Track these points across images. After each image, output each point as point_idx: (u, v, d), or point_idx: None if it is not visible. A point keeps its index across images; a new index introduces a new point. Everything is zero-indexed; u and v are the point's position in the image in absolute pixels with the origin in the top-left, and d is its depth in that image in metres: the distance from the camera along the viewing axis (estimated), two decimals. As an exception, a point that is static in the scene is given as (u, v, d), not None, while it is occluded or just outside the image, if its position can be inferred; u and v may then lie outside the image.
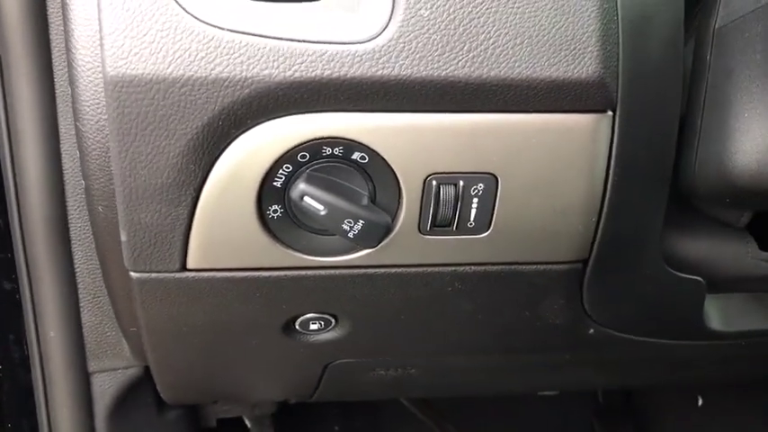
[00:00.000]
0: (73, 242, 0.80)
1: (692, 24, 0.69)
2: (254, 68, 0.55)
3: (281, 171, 0.60)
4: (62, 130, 0.73)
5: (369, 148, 0.60)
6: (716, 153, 0.65)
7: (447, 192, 0.62)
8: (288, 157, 0.59)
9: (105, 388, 0.92)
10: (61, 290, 0.82)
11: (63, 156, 0.75)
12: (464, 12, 0.57)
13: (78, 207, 0.78)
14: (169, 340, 0.73)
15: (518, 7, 0.58)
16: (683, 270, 0.74)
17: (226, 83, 0.55)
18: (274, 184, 0.61)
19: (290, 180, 0.61)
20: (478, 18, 0.57)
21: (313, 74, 0.56)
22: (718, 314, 0.82)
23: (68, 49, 0.59)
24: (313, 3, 0.57)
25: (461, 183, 0.62)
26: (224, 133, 0.58)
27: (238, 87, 0.56)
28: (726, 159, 0.64)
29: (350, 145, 0.60)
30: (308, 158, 0.60)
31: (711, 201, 0.73)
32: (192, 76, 0.55)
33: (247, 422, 1.23)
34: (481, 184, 0.62)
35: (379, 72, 0.57)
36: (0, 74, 0.71)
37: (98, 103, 0.58)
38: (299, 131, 0.59)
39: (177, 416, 1.05)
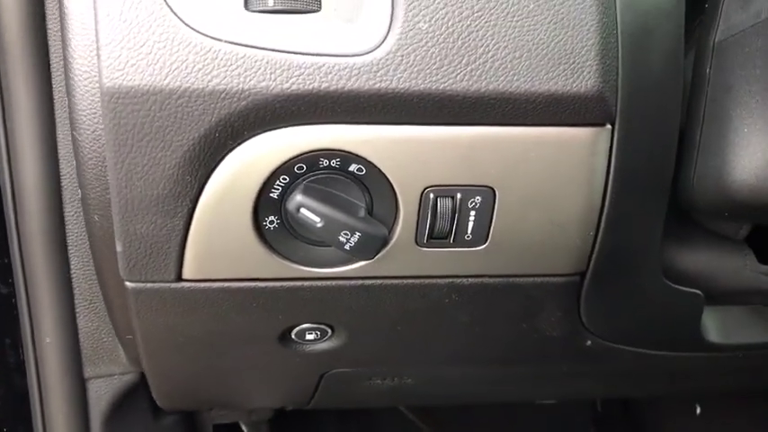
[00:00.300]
0: (70, 248, 0.80)
1: (692, 38, 0.69)
2: (251, 80, 0.55)
3: (277, 182, 0.60)
4: (60, 136, 0.73)
5: (366, 160, 0.60)
6: (715, 167, 0.65)
7: (444, 204, 0.62)
8: (285, 168, 0.59)
9: (101, 394, 0.91)
10: (57, 295, 0.82)
11: (61, 162, 0.74)
12: (463, 25, 0.57)
13: (75, 213, 0.77)
14: (165, 349, 0.73)
15: (517, 21, 0.58)
16: (682, 283, 0.74)
17: (223, 95, 0.55)
18: (271, 195, 0.60)
19: (286, 191, 0.60)
20: (477, 31, 0.57)
21: (310, 86, 0.56)
22: (716, 326, 0.82)
23: (66, 59, 0.58)
24: (311, 15, 0.56)
25: (459, 195, 0.62)
26: (220, 145, 0.57)
27: (235, 99, 0.55)
28: (725, 173, 0.64)
29: (347, 157, 0.60)
30: (304, 170, 0.60)
31: (710, 214, 0.73)
32: (189, 87, 0.55)
33: (244, 428, 1.23)
34: (479, 197, 0.62)
35: (377, 85, 0.56)
36: None
37: (95, 113, 0.58)
38: (296, 143, 0.58)
39: (173, 422, 1.05)
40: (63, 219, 0.78)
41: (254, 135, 0.58)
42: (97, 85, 0.57)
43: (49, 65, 0.70)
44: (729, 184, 0.64)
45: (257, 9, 0.56)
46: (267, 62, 0.55)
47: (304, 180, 0.60)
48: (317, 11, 0.56)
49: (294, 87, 0.56)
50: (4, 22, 0.68)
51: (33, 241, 0.78)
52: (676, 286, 0.73)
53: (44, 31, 0.69)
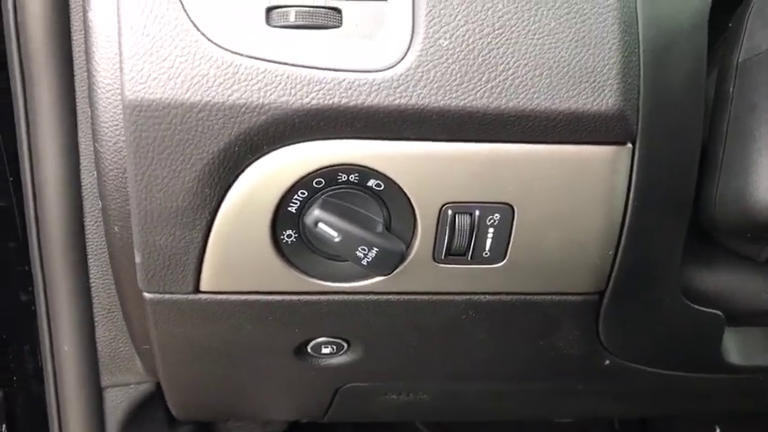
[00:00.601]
0: (89, 257, 0.80)
1: (715, 56, 0.68)
2: (271, 95, 0.55)
3: (296, 197, 0.60)
4: (82, 147, 0.74)
5: (385, 175, 0.60)
6: (737, 187, 0.64)
7: (462, 221, 0.62)
8: (303, 182, 0.59)
9: (117, 403, 0.92)
10: (76, 304, 0.83)
11: (82, 173, 0.75)
12: (484, 42, 0.57)
13: (96, 223, 0.78)
14: (181, 360, 0.73)
15: (538, 38, 0.57)
16: (702, 303, 0.73)
17: (243, 109, 0.56)
18: (289, 209, 0.61)
19: (304, 206, 0.61)
20: (498, 49, 0.57)
21: (330, 101, 0.56)
22: (736, 347, 0.81)
23: (89, 71, 0.59)
24: (332, 30, 0.56)
25: (477, 212, 0.62)
26: (240, 158, 0.58)
27: (255, 113, 0.56)
28: (747, 194, 0.63)
29: (366, 172, 0.60)
30: (323, 185, 0.60)
31: (732, 234, 0.72)
32: (210, 101, 0.55)
33: (259, 439, 1.23)
34: (497, 214, 0.62)
35: (397, 101, 0.56)
36: (23, 90, 0.72)
37: (116, 125, 0.59)
38: (315, 158, 0.58)
39: (189, 432, 1.05)
40: (83, 228, 0.78)
41: (273, 149, 0.58)
42: (119, 97, 0.58)
43: (72, 75, 0.71)
44: (752, 205, 0.63)
45: (279, 24, 0.56)
46: (288, 77, 0.55)
47: (322, 195, 0.60)
48: (338, 26, 0.56)
49: (314, 102, 0.56)
50: (29, 32, 0.69)
51: (53, 250, 0.79)
52: (696, 307, 0.72)
53: (68, 42, 0.70)
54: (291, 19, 0.56)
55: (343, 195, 0.61)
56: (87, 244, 0.79)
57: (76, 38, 0.70)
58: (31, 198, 0.77)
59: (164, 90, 0.55)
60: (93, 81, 0.58)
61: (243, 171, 0.58)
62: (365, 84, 0.56)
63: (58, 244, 0.79)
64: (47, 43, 0.69)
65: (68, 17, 0.69)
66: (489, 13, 0.57)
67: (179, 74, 0.55)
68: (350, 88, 0.56)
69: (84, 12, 0.59)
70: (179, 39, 0.55)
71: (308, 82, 0.56)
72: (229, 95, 0.55)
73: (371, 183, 0.60)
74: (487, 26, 0.57)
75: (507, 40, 0.57)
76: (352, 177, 0.60)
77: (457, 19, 0.57)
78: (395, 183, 0.60)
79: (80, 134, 0.73)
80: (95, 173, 0.74)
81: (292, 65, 0.56)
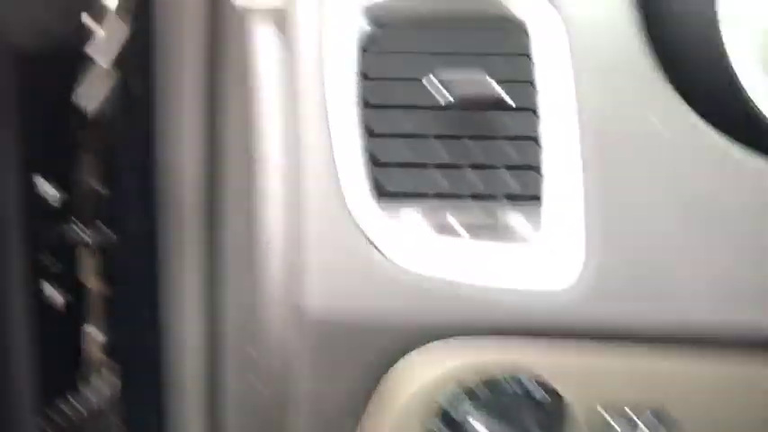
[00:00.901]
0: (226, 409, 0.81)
1: None
2: (444, 313, 0.57)
3: (449, 395, 0.60)
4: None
5: (539, 377, 0.60)
6: None
7: (621, 425, 0.61)
8: (456, 381, 0.59)
9: None
10: None
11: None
12: (657, 259, 0.57)
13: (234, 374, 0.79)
14: None
15: (707, 252, 0.58)
16: None
17: (417, 325, 0.57)
18: (443, 406, 0.61)
19: (457, 405, 0.60)
20: (670, 261, 0.58)
21: (501, 319, 0.57)
22: None
23: (259, 276, 0.60)
24: (501, 244, 0.57)
25: (635, 417, 0.61)
26: (398, 357, 0.59)
27: (427, 329, 0.57)
28: None
29: (521, 374, 0.59)
30: (477, 384, 0.60)
31: None
32: (385, 317, 0.57)
33: None
34: (655, 420, 0.61)
35: (569, 320, 0.57)
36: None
37: (285, 331, 0.60)
38: (470, 358, 0.59)
39: None
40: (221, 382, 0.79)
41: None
42: (291, 305, 0.59)
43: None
44: None
45: (448, 235, 0.57)
46: (462, 295, 0.57)
47: (477, 395, 0.60)
48: (513, 241, 0.58)
49: (485, 320, 0.57)
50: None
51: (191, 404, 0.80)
52: None
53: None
54: (463, 235, 0.57)
55: (498, 397, 0.60)
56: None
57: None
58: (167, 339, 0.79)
59: (340, 304, 0.57)
60: (261, 285, 0.60)
61: (397, 369, 0.59)
62: (535, 303, 0.57)
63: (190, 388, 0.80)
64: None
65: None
66: (660, 223, 0.58)
67: (356, 290, 0.57)
68: (518, 307, 0.57)
69: (259, 224, 0.61)
70: (358, 254, 0.57)
71: (482, 303, 0.57)
72: (404, 312, 0.57)
73: (527, 384, 0.60)
74: (658, 239, 0.58)
75: (679, 253, 0.58)
76: (507, 378, 0.60)
77: (628, 233, 0.58)
78: (550, 385, 0.60)
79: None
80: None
81: (467, 283, 0.57)
